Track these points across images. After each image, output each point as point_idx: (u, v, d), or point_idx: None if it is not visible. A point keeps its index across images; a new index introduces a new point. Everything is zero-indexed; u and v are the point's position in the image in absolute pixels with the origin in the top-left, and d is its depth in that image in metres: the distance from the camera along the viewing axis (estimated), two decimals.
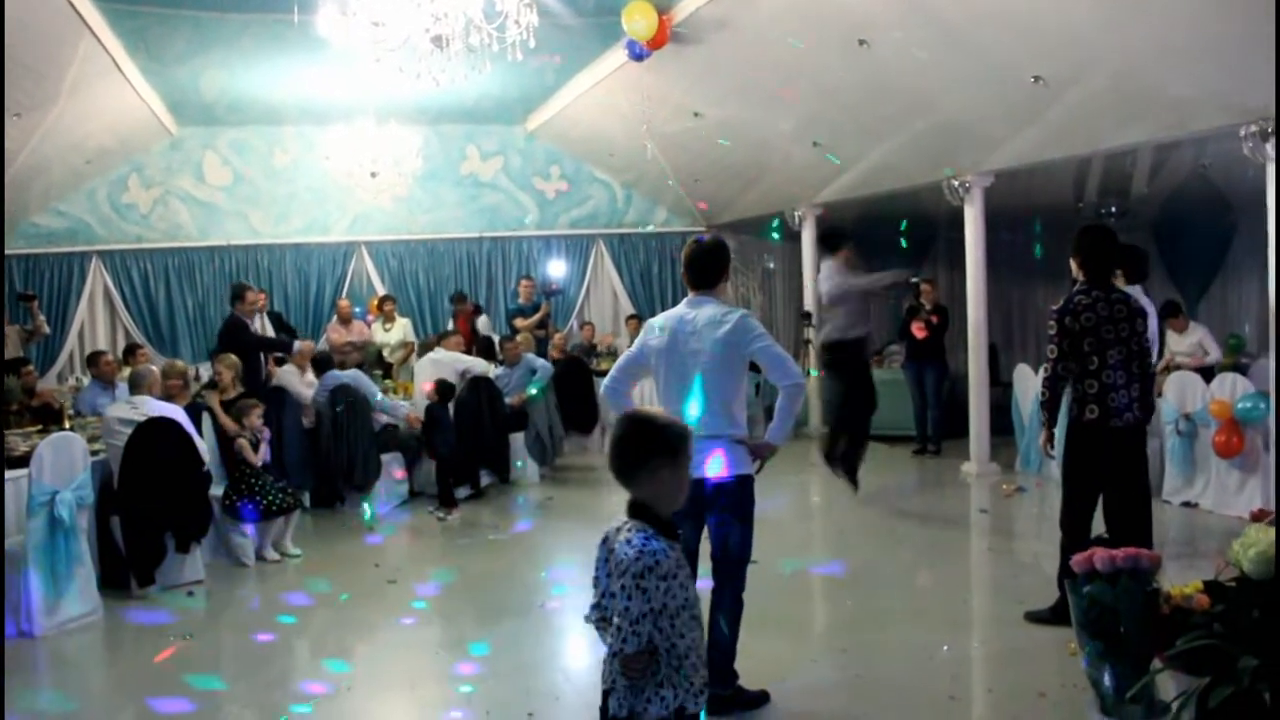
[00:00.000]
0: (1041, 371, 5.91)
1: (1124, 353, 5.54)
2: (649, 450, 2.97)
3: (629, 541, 2.90)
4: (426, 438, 9.82)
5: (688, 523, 4.91)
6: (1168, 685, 3.49)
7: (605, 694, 2.97)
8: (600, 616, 3.06)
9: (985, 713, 4.76)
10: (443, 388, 9.83)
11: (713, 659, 4.83)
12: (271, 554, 7.98)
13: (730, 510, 4.82)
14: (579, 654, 5.88)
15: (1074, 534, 5.62)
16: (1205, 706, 3.03)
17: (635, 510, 2.99)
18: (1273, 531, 3.24)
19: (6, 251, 13.13)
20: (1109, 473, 5.62)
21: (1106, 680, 3.55)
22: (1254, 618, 3.20)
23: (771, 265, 15.62)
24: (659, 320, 4.98)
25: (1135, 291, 6.51)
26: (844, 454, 9.09)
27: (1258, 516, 3.48)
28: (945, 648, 5.40)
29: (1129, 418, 5.56)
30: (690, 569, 4.94)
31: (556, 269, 14.78)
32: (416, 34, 6.30)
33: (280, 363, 10.17)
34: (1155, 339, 6.68)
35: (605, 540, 3.04)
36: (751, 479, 4.85)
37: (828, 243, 9.57)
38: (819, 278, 9.49)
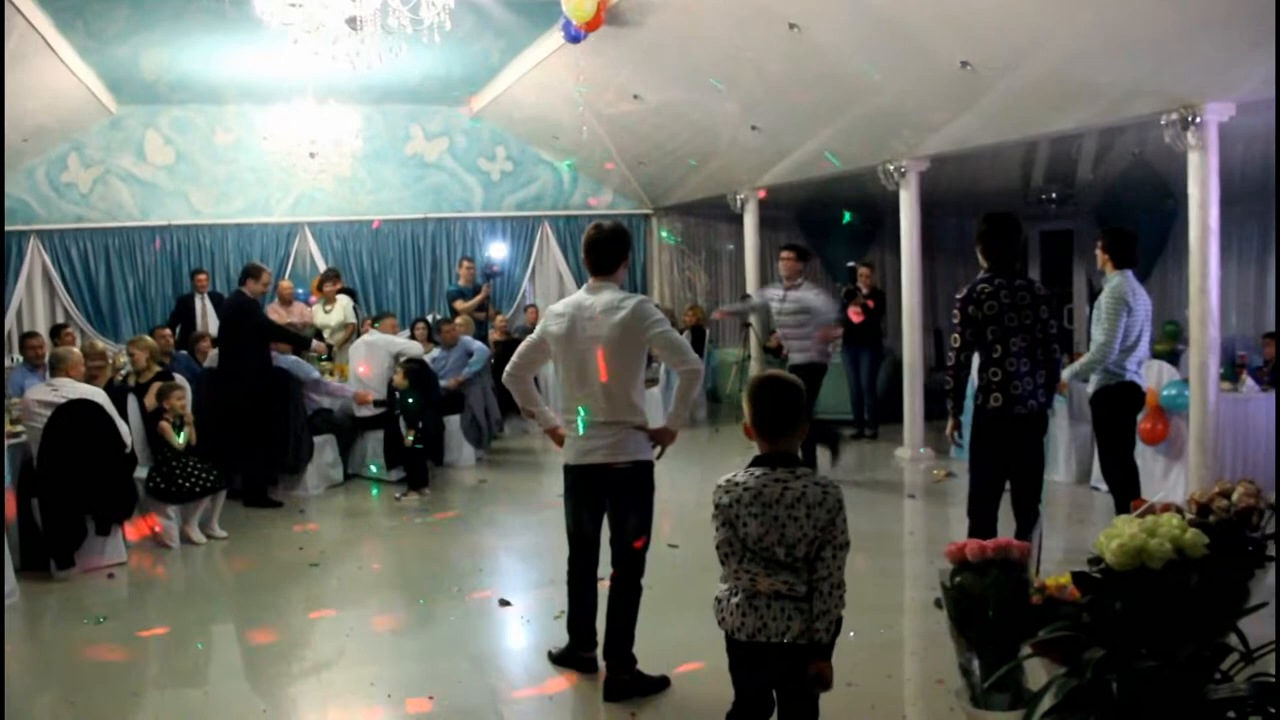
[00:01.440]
0: (947, 360, 5.96)
1: (1027, 340, 5.58)
2: (800, 407, 3.40)
3: (818, 483, 3.30)
4: (408, 423, 9.59)
5: (587, 510, 4.94)
6: (1039, 675, 3.52)
7: (837, 622, 3.30)
8: (790, 561, 3.28)
9: (879, 699, 4.79)
10: (411, 372, 9.75)
11: (610, 644, 4.87)
12: (198, 536, 7.94)
13: (629, 497, 4.84)
14: (487, 638, 5.92)
15: (980, 520, 5.68)
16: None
17: (785, 460, 3.34)
18: (1136, 524, 3.26)
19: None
20: (1013, 460, 5.68)
21: (976, 669, 3.58)
22: (1115, 609, 3.23)
23: (731, 247, 15.61)
24: (558, 306, 4.99)
25: (1126, 277, 6.65)
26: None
27: (1135, 506, 3.51)
28: (851, 634, 5.41)
29: (1032, 405, 5.61)
30: (592, 555, 4.99)
31: (497, 251, 14.71)
32: (332, 16, 6.24)
33: (299, 351, 9.98)
34: (1149, 323, 6.76)
35: (759, 494, 3.28)
36: (651, 465, 4.88)
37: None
38: (779, 291, 9.34)
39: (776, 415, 3.37)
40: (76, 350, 7.84)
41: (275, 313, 12.59)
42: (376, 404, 9.88)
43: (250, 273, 9.51)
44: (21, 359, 10.05)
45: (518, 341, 12.09)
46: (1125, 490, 6.70)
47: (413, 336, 11.62)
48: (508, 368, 5.10)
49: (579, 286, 14.77)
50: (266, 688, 5.23)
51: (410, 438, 9.43)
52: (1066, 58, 7.21)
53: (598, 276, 4.90)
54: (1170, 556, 3.13)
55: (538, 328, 5.07)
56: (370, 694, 5.05)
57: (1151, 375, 8.32)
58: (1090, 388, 6.91)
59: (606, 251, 4.89)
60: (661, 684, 4.92)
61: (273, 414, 9.16)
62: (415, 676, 5.22)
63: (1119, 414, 6.81)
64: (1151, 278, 13.48)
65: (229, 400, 8.98)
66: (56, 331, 11.05)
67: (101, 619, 6.24)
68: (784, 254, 9.37)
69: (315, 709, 5.01)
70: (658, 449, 4.92)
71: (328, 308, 12.56)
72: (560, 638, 5.32)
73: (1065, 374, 6.80)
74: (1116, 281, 6.66)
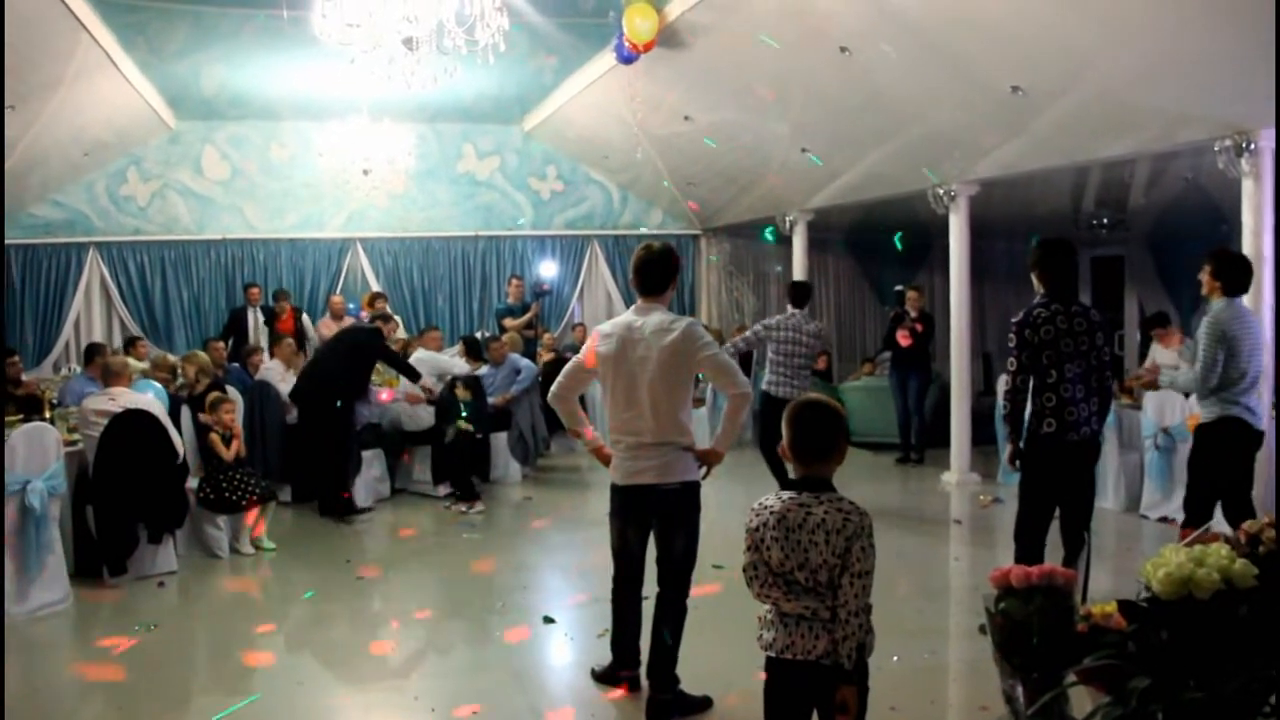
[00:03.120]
0: (1002, 385, 5.89)
1: (1083, 366, 5.54)
2: (841, 432, 3.37)
3: (840, 509, 3.25)
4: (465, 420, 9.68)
5: (634, 529, 4.97)
6: (1084, 703, 3.50)
7: (858, 649, 3.27)
8: (813, 586, 3.26)
9: None
10: (471, 384, 9.85)
11: (654, 663, 4.89)
12: (246, 548, 8.03)
13: (676, 517, 4.86)
14: (529, 654, 5.93)
15: (1028, 547, 5.64)
16: None
17: (815, 484, 3.32)
18: (1183, 553, 3.24)
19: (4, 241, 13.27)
20: (1065, 486, 5.64)
21: (1019, 697, 3.56)
22: (1162, 638, 3.20)
23: (779, 268, 15.63)
24: (605, 327, 5.02)
25: (1232, 304, 6.05)
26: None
27: (1182, 537, 3.48)
28: (895, 658, 5.41)
29: (1086, 432, 5.57)
30: (637, 574, 5.01)
31: (547, 269, 14.80)
32: (389, 36, 6.34)
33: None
34: (1260, 351, 6.09)
35: (783, 519, 3.26)
36: (698, 486, 4.90)
37: (800, 295, 9.57)
38: (792, 322, 9.27)
39: (812, 440, 3.36)
40: (123, 359, 7.97)
41: (326, 326, 12.78)
42: (430, 402, 9.93)
43: (385, 317, 9.94)
44: (80, 369, 10.22)
45: (566, 360, 12.31)
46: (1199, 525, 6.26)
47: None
48: (553, 387, 5.13)
49: (627, 306, 14.82)
50: (311, 698, 5.29)
51: (457, 428, 9.55)
52: (1118, 83, 7.18)
53: (646, 297, 4.91)
54: (1218, 586, 3.10)
55: (584, 347, 5.10)
56: (413, 707, 5.09)
57: None
58: (1203, 417, 6.25)
59: (656, 272, 4.89)
60: (704, 704, 4.93)
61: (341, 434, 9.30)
62: (458, 691, 5.26)
63: (1222, 451, 6.15)
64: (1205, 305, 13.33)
65: (316, 417, 9.15)
66: (131, 344, 11.25)
67: (152, 626, 6.33)
68: None
69: None
70: (704, 470, 4.94)
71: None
72: (603, 656, 5.34)
73: (1162, 379, 6.65)
74: (1219, 309, 6.06)
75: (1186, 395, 6.47)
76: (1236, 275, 6.12)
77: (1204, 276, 6.22)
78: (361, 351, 9.50)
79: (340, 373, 9.32)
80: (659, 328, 4.77)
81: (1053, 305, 5.61)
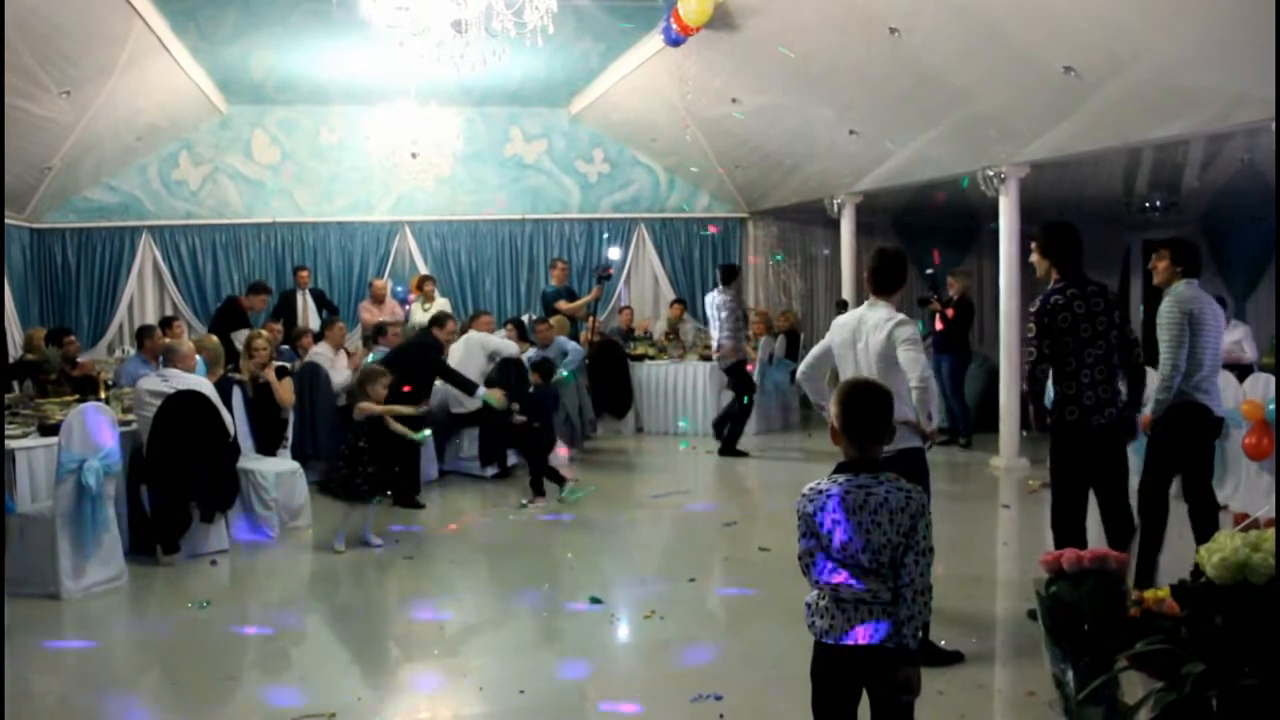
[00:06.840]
0: (1023, 371, 5.84)
1: (1104, 347, 5.50)
2: (890, 413, 3.43)
3: (900, 488, 3.29)
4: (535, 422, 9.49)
5: None
6: (1136, 688, 3.47)
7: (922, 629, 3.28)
8: (875, 567, 3.25)
9: (970, 709, 4.75)
10: (543, 368, 9.75)
11: None
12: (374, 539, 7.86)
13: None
14: (576, 635, 5.95)
15: (1065, 536, 5.60)
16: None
17: (870, 465, 3.33)
18: (1239, 538, 3.21)
19: (60, 225, 13.48)
20: (1095, 472, 5.59)
21: (1069, 681, 3.53)
22: (1216, 624, 3.18)
23: (826, 251, 15.57)
24: (843, 318, 5.65)
25: (1192, 287, 6.06)
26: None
27: (1238, 521, 3.44)
28: (942, 642, 5.39)
29: (1111, 413, 5.52)
30: None
31: (614, 253, 14.76)
32: (438, 19, 6.36)
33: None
34: (1222, 335, 6.31)
35: (843, 501, 3.27)
36: (916, 451, 5.27)
37: (728, 275, 11.49)
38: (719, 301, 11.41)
39: (865, 421, 3.37)
40: (189, 343, 8.06)
41: (367, 311, 12.88)
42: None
43: (439, 321, 9.71)
44: (134, 350, 10.37)
45: (611, 342, 12.35)
46: (1206, 520, 6.09)
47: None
48: (801, 367, 5.83)
49: (674, 289, 14.97)
50: (360, 676, 5.35)
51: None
52: (1172, 63, 7.07)
53: (876, 295, 5.49)
54: (1274, 572, 3.07)
55: (827, 336, 5.70)
56: (461, 686, 5.14)
57: (1258, 388, 8.11)
58: (1158, 409, 6.08)
59: (887, 275, 5.50)
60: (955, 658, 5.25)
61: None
62: (506, 671, 5.30)
63: (1182, 438, 6.09)
64: (1259, 289, 13.17)
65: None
66: (167, 324, 11.38)
67: (205, 604, 6.43)
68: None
69: (407, 698, 5.11)
70: (928, 442, 5.34)
71: (426, 306, 12.76)
72: (650, 635, 5.37)
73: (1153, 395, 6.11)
74: (1180, 290, 6.06)
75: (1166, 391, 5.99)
76: (1194, 258, 6.19)
77: (1160, 264, 6.23)
78: (417, 364, 9.25)
79: (402, 381, 9.17)
80: (878, 323, 5.36)
81: (1069, 290, 5.56)
